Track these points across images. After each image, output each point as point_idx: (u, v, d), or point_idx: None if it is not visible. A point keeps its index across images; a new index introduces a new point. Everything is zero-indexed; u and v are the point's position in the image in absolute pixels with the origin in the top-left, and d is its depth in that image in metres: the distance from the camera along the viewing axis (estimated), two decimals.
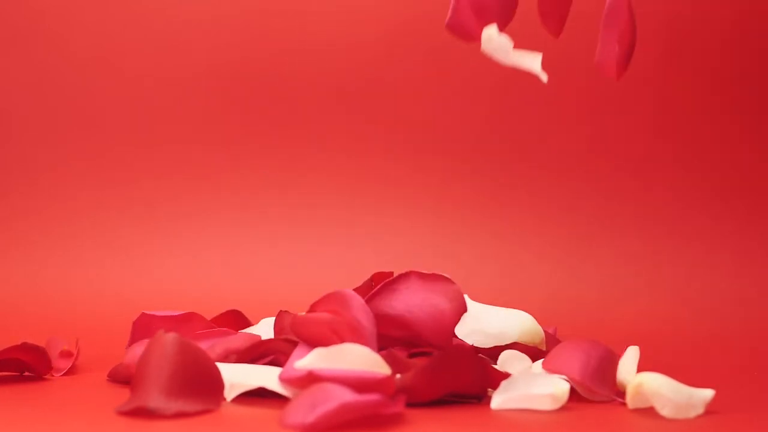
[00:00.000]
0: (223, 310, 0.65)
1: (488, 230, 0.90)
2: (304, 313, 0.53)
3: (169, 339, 0.49)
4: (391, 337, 0.55)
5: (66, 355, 0.60)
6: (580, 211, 0.90)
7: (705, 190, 0.90)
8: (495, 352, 0.57)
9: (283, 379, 0.49)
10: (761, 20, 0.90)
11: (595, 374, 0.52)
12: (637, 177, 0.90)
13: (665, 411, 0.48)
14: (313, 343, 0.51)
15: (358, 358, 0.48)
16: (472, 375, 0.50)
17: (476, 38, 0.54)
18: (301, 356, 0.50)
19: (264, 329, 0.59)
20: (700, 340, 0.77)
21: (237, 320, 0.64)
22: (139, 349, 0.55)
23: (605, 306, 0.83)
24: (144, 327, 0.58)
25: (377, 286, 0.55)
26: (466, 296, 0.57)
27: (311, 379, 0.48)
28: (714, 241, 0.88)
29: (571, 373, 0.52)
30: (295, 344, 0.52)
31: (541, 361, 0.55)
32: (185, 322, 0.58)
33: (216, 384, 0.49)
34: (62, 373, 0.59)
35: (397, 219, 0.91)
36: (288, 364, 0.50)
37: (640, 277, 0.87)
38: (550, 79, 0.91)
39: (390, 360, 0.50)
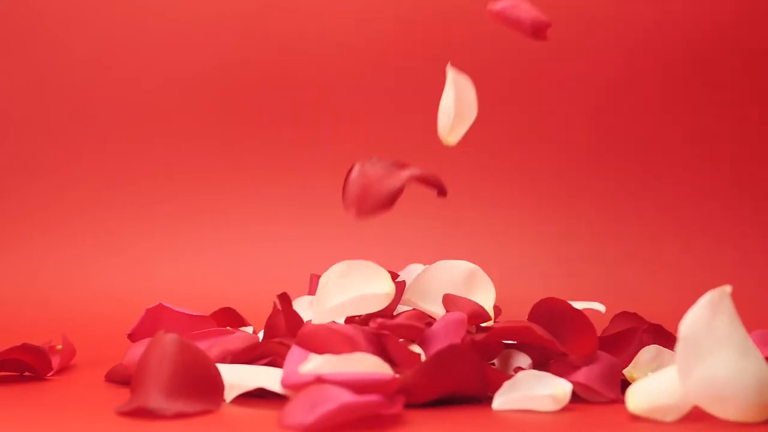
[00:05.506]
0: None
1: (488, 230, 0.90)
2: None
3: (169, 339, 0.49)
4: None
5: (54, 351, 0.60)
6: (580, 208, 0.90)
7: (707, 186, 0.90)
8: None
9: (287, 386, 0.49)
10: (763, 16, 0.90)
11: (599, 377, 0.52)
12: (638, 174, 0.90)
13: (670, 418, 0.48)
14: (318, 353, 0.51)
15: (364, 363, 0.48)
16: (472, 375, 0.50)
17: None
18: (298, 360, 0.49)
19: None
20: None
21: (230, 318, 0.64)
22: (138, 349, 0.55)
23: (605, 304, 0.83)
24: (155, 317, 0.58)
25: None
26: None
27: (317, 383, 0.47)
28: (718, 236, 0.88)
29: (575, 376, 0.52)
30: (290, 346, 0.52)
31: None
32: (197, 323, 0.58)
33: (216, 385, 0.49)
34: (53, 372, 0.58)
35: (398, 219, 0.91)
36: (288, 369, 0.49)
37: (641, 275, 0.87)
38: (553, 77, 0.92)
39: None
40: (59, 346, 0.60)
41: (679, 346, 0.46)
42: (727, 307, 0.47)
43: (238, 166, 0.92)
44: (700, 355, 0.46)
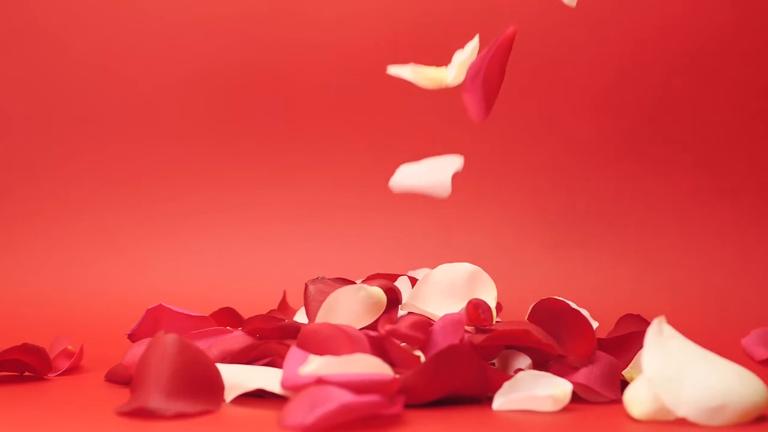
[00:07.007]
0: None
1: (488, 230, 0.90)
2: None
3: (169, 339, 0.49)
4: None
5: (67, 355, 0.60)
6: (579, 207, 0.90)
7: (707, 186, 0.90)
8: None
9: (287, 387, 0.49)
10: (762, 17, 0.90)
11: (599, 378, 0.52)
12: (639, 173, 0.90)
13: (673, 415, 0.48)
14: (317, 353, 0.51)
15: (364, 364, 0.48)
16: (472, 375, 0.50)
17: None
18: (296, 361, 0.49)
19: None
20: (704, 336, 0.76)
21: (230, 318, 0.64)
22: (138, 350, 0.55)
23: (605, 304, 0.83)
24: (155, 317, 0.58)
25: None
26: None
27: (317, 384, 0.47)
28: (719, 235, 0.88)
29: (575, 377, 0.52)
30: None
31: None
32: (197, 323, 0.58)
33: (216, 385, 0.49)
34: (59, 372, 0.59)
35: (397, 218, 0.91)
36: (287, 370, 0.49)
37: (641, 275, 0.87)
38: (550, 78, 0.92)
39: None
40: (70, 347, 0.60)
41: (656, 388, 0.46)
42: (670, 330, 0.47)
43: (238, 166, 0.92)
44: (679, 382, 0.46)
